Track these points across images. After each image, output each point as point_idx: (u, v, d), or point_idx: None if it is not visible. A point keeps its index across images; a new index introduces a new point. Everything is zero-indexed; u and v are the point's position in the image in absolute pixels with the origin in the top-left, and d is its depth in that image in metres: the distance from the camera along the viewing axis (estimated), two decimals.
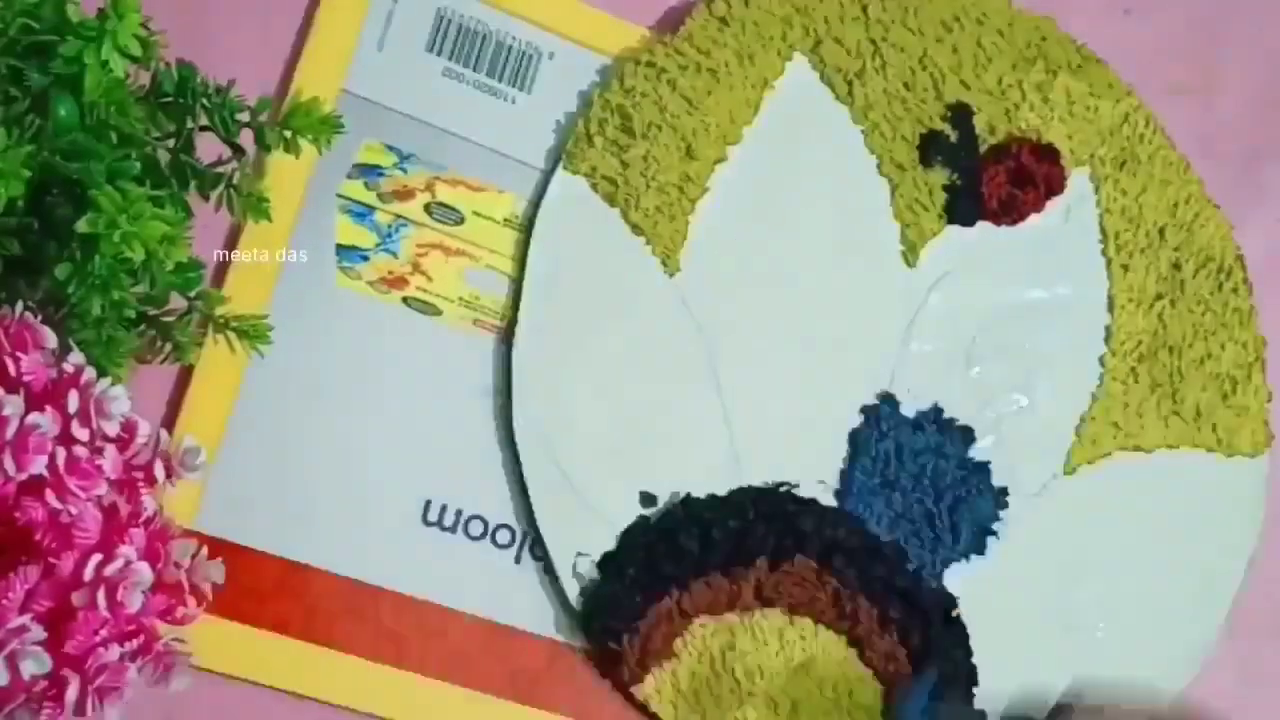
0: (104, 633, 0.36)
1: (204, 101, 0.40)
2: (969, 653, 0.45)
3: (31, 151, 0.36)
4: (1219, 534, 0.49)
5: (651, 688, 0.43)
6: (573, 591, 0.43)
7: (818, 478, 0.45)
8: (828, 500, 0.45)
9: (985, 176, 0.48)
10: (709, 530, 0.43)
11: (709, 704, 0.43)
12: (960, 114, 0.49)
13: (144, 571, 0.36)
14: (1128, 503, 0.48)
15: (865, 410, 0.46)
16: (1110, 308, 0.49)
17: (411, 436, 0.43)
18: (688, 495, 0.44)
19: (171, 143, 0.40)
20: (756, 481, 0.45)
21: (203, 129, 0.41)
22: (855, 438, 0.46)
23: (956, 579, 0.46)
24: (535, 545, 0.43)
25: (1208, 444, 0.49)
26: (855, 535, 0.45)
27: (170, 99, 0.40)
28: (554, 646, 0.42)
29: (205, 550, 0.39)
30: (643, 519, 0.44)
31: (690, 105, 0.46)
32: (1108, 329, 0.49)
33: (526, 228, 0.45)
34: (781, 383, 0.46)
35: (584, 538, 0.43)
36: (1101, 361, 0.49)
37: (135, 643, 0.36)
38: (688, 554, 0.43)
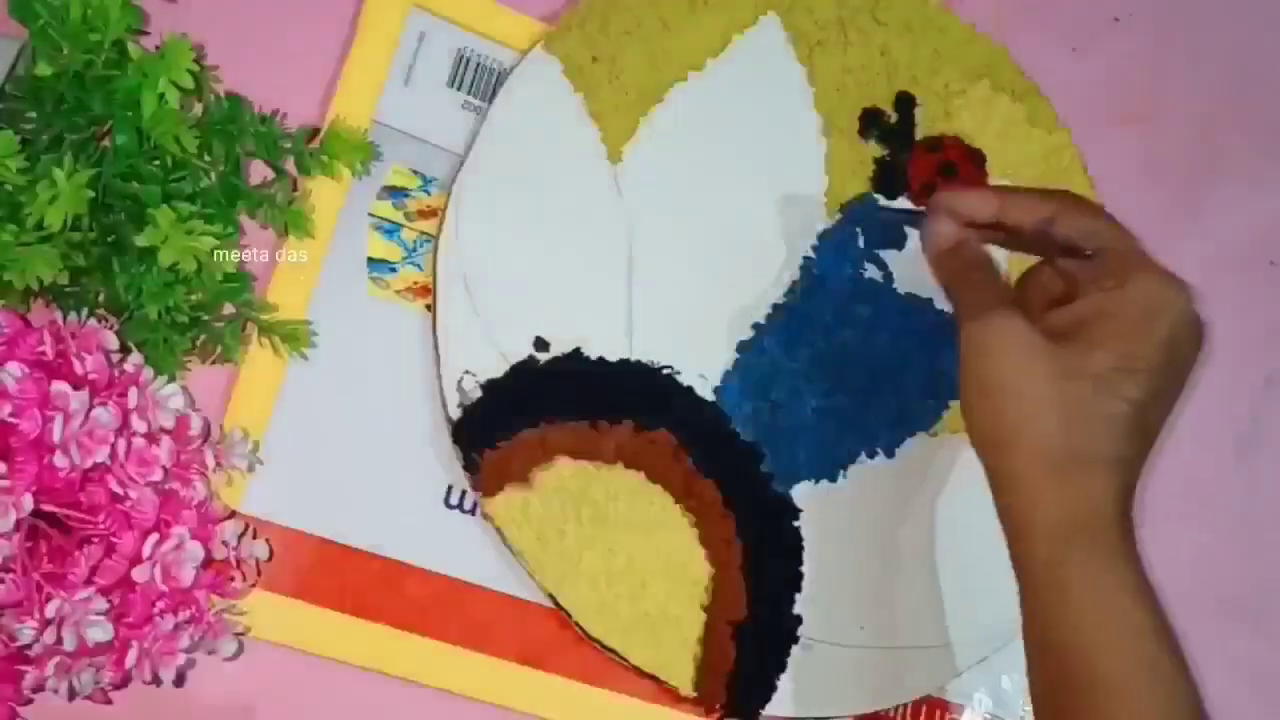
0: (160, 604, 0.36)
1: (251, 129, 0.41)
2: (800, 561, 0.45)
3: (94, 175, 0.36)
4: None
5: (501, 505, 0.42)
6: (453, 403, 0.42)
7: (699, 371, 0.45)
8: (704, 393, 0.45)
9: (914, 159, 0.49)
10: (589, 384, 0.43)
11: (551, 536, 0.42)
12: (905, 101, 0.49)
13: (196, 550, 0.36)
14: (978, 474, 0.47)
15: (756, 326, 0.46)
16: None
17: (434, 428, 0.43)
18: (577, 349, 0.44)
19: (222, 166, 0.40)
20: (645, 359, 0.45)
21: (249, 154, 0.41)
22: (742, 348, 0.46)
23: (803, 495, 0.45)
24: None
25: None
26: (717, 426, 0.45)
27: (221, 127, 0.40)
28: (560, 617, 0.42)
29: (252, 530, 0.40)
30: (533, 359, 0.43)
31: (664, 27, 0.46)
32: None
33: (493, 92, 0.45)
34: (688, 281, 0.46)
35: (476, 361, 0.42)
36: None
37: (188, 613, 0.37)
38: (565, 399, 0.43)
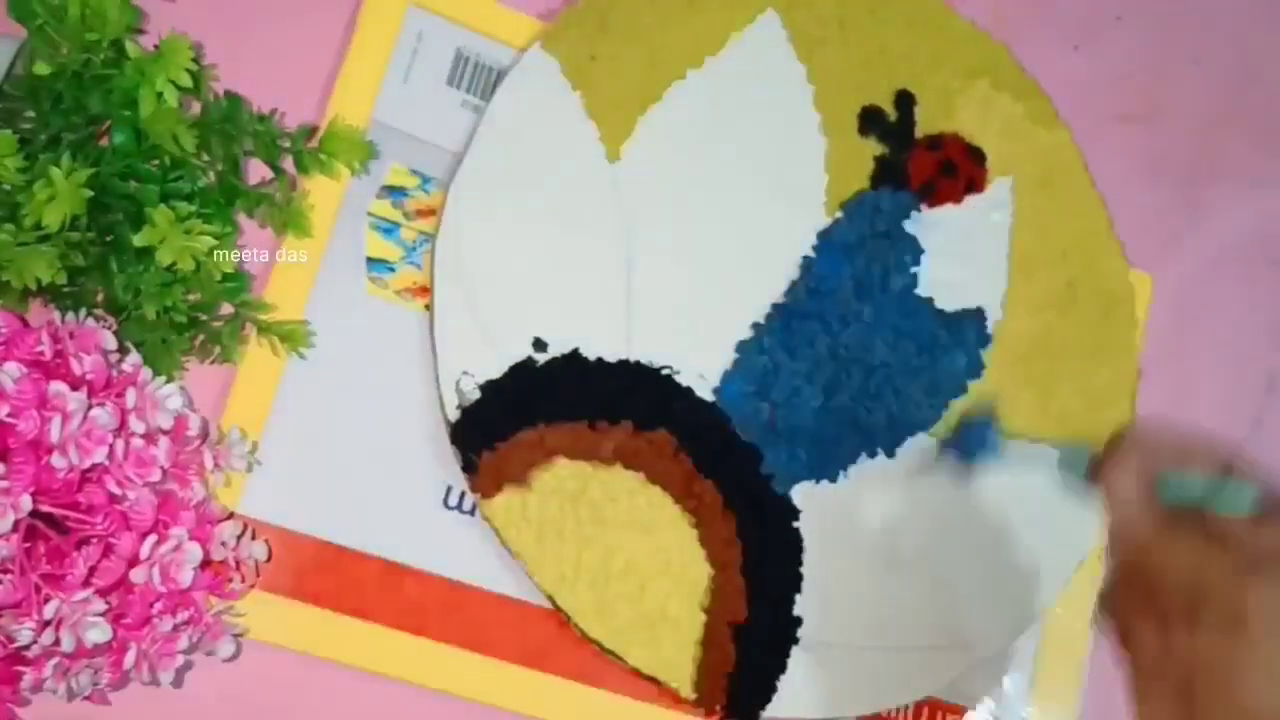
0: (158, 606, 0.36)
1: (250, 128, 0.41)
2: (799, 563, 0.45)
3: (92, 174, 0.36)
4: (1055, 526, 0.47)
5: (500, 506, 0.42)
6: (451, 404, 0.42)
7: (699, 371, 0.45)
8: (704, 393, 0.45)
9: (914, 158, 0.48)
10: (588, 385, 0.43)
11: (549, 537, 0.42)
12: (904, 99, 0.49)
13: (194, 550, 0.36)
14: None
15: (756, 326, 0.46)
16: (1004, 304, 0.49)
17: (432, 429, 0.43)
18: (576, 350, 0.44)
19: (220, 165, 0.40)
20: (644, 359, 0.44)
21: (248, 153, 0.41)
22: (741, 348, 0.46)
23: (802, 496, 0.45)
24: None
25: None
26: (717, 428, 0.44)
27: (219, 126, 0.40)
28: (559, 618, 0.42)
29: (250, 531, 0.40)
30: (531, 359, 0.43)
31: (663, 26, 0.46)
32: (997, 323, 0.49)
33: (492, 90, 0.45)
34: (687, 281, 0.45)
35: (474, 362, 0.42)
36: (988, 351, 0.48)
37: (186, 614, 0.37)
38: (563, 399, 0.43)
